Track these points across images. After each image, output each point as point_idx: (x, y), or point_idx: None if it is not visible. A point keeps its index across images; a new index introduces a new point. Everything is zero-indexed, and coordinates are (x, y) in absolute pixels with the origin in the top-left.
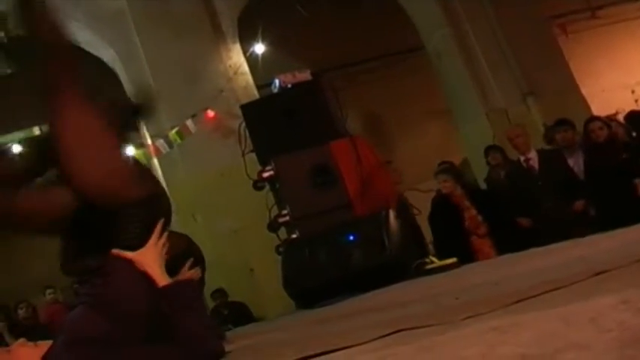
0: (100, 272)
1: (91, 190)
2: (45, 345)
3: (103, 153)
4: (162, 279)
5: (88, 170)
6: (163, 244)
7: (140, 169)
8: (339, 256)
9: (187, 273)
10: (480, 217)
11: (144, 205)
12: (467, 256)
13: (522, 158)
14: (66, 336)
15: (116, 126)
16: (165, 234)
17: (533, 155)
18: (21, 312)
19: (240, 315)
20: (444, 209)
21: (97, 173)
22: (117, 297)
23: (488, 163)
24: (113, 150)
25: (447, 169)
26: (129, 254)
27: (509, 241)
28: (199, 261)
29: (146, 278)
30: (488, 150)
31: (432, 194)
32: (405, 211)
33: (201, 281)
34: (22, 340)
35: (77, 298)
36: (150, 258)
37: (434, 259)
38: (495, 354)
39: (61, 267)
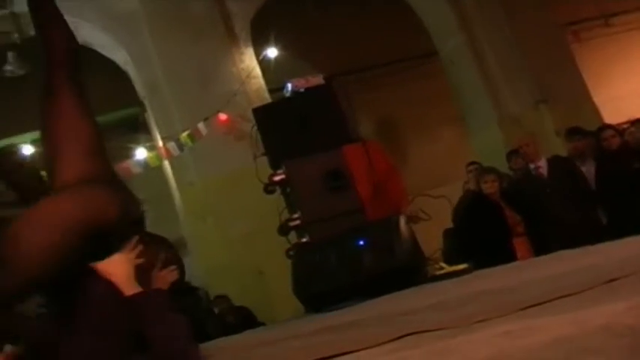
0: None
1: None
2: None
3: None
4: (129, 288)
5: None
6: (133, 249)
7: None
8: (350, 261)
9: (161, 275)
10: (517, 217)
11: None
12: (507, 256)
13: (532, 166)
14: None
15: None
16: (136, 237)
17: (542, 163)
18: None
19: (245, 320)
20: (480, 209)
21: None
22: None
23: (510, 167)
24: None
25: (492, 168)
26: (95, 265)
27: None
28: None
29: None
30: (511, 155)
31: (444, 200)
32: None
33: (179, 284)
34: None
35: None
36: (114, 266)
37: (444, 264)
38: (506, 358)
39: None
